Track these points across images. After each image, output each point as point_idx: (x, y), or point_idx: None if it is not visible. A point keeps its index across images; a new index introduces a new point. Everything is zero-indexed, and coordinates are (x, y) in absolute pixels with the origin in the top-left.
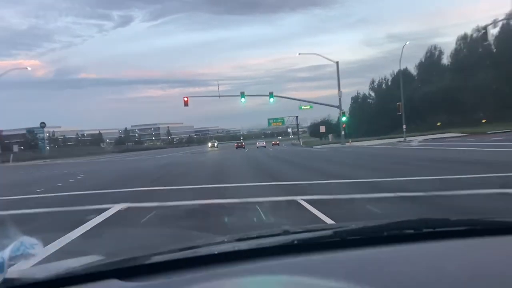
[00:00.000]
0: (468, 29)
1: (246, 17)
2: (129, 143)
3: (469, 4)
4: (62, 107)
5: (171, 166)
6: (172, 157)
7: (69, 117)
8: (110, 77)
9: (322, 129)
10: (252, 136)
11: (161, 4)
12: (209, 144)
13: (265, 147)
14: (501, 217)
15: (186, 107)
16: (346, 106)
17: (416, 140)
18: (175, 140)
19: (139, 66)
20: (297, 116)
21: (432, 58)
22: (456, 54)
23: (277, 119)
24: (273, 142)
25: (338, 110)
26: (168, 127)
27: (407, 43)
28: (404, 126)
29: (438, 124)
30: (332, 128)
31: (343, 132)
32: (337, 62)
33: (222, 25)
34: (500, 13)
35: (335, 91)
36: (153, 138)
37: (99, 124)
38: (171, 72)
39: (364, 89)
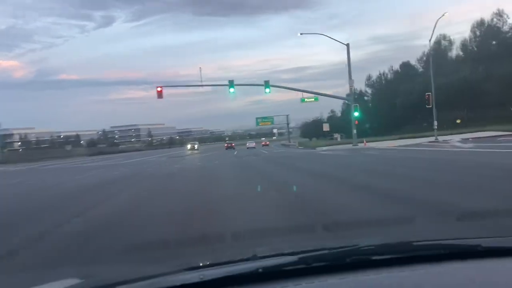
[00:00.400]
0: (447, 32)
1: (230, 18)
2: (101, 145)
3: (448, 7)
4: (41, 109)
5: (118, 185)
6: (139, 163)
7: (47, 119)
8: (92, 78)
9: (326, 127)
10: (237, 137)
11: (144, 4)
12: (188, 146)
13: (255, 147)
14: (466, 239)
15: (168, 104)
16: (337, 107)
17: (453, 140)
18: (154, 141)
19: (122, 67)
20: (287, 115)
21: (439, 48)
22: (472, 42)
23: (266, 118)
24: (263, 143)
25: (335, 108)
26: (149, 128)
27: (445, 13)
28: (435, 123)
29: (458, 121)
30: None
31: (355, 131)
32: (347, 44)
33: (206, 26)
34: (479, 16)
35: (321, 91)
36: (133, 139)
37: (80, 125)
38: (154, 73)
39: (346, 90)
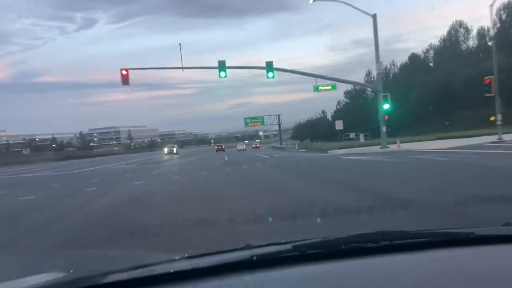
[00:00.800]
0: (429, 36)
1: (213, 20)
2: (69, 149)
3: (427, 12)
4: (19, 111)
5: None
6: (93, 175)
7: (26, 122)
8: (74, 80)
9: (338, 125)
10: (222, 139)
11: (126, 6)
12: (166, 150)
13: (245, 150)
14: (460, 228)
15: (151, 107)
16: (330, 107)
17: None
18: (133, 144)
19: (104, 69)
20: (279, 115)
21: (455, 38)
22: (497, 28)
23: (255, 118)
24: (253, 145)
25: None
26: (129, 130)
27: None
28: (499, 117)
29: (492, 118)
30: (324, 129)
31: (384, 129)
32: (374, 15)
33: (189, 28)
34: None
35: (302, 95)
36: (113, 142)
37: (60, 128)
38: (137, 75)
39: (334, 95)
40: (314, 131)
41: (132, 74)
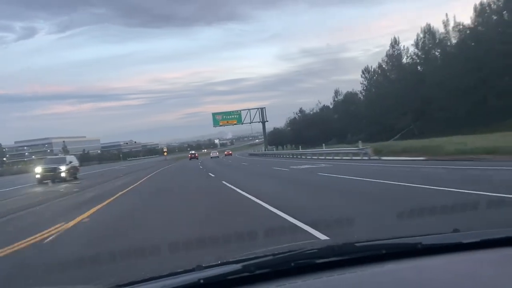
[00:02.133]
0: (371, 45)
1: (161, 30)
2: None
3: (372, 23)
4: None
5: None
6: None
7: None
8: (13, 93)
9: None
10: (175, 149)
11: (69, 15)
12: (38, 172)
13: (218, 157)
14: (408, 237)
15: (96, 119)
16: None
17: None
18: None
19: (47, 80)
20: (263, 108)
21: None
22: None
23: (229, 114)
24: (226, 152)
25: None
26: (64, 141)
27: None
28: None
29: None
30: (318, 132)
31: None
32: None
33: (136, 38)
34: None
35: (256, 103)
36: (47, 156)
37: None
38: (81, 87)
39: (280, 102)
40: (318, 132)
41: (77, 87)
